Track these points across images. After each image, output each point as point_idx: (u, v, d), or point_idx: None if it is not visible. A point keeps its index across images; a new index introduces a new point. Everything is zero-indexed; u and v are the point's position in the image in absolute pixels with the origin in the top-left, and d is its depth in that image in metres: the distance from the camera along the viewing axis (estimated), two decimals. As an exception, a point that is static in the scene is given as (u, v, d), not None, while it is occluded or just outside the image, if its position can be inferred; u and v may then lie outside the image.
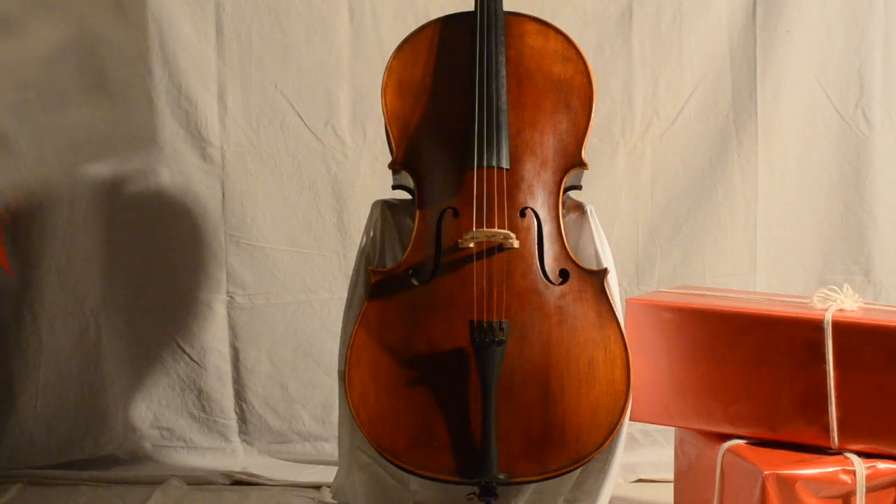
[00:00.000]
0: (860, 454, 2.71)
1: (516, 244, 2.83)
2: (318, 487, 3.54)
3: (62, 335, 3.67)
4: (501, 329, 2.77)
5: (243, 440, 3.74)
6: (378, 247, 3.03)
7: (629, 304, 3.00)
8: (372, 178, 3.66)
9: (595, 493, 2.96)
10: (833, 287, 2.86)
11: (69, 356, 3.69)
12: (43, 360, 3.67)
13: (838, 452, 2.74)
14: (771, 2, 3.67)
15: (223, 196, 3.66)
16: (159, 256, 3.65)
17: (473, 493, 2.78)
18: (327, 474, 3.52)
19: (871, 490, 2.68)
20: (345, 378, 2.86)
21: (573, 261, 2.87)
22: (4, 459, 3.61)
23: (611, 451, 2.92)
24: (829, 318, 2.73)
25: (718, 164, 3.71)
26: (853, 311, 2.80)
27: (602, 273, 2.87)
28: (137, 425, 3.73)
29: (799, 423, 2.77)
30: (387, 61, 2.97)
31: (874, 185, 3.71)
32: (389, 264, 2.97)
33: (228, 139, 3.65)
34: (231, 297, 3.69)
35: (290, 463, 3.64)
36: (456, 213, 2.86)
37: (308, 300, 3.70)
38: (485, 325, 2.78)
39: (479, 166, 2.85)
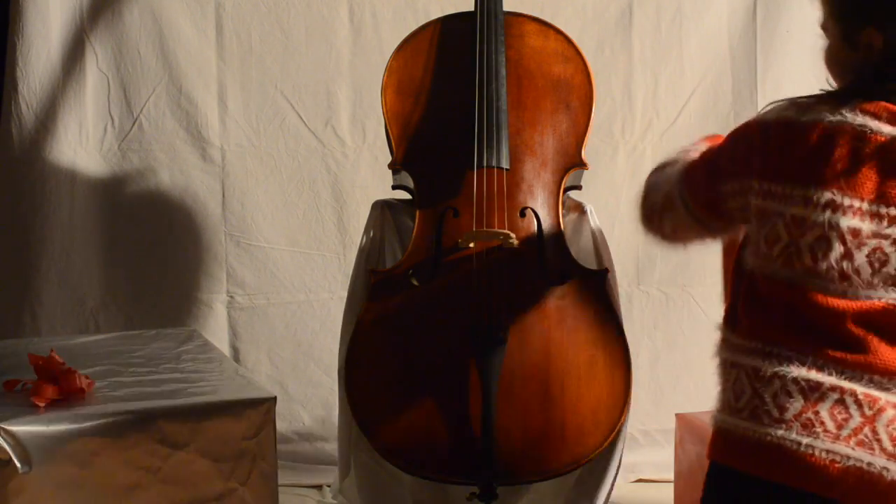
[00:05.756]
0: (860, 454, 2.71)
1: (516, 243, 2.82)
2: (318, 487, 3.54)
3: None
4: (501, 329, 2.77)
5: (243, 440, 3.74)
6: (378, 247, 3.02)
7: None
8: (372, 178, 3.66)
9: (595, 493, 2.96)
10: (833, 287, 2.85)
11: (69, 356, 3.68)
12: (43, 360, 3.67)
13: (838, 452, 2.73)
14: (771, 2, 3.66)
15: (223, 196, 3.65)
16: (159, 256, 3.65)
17: (473, 493, 2.77)
18: (327, 474, 3.52)
19: (871, 490, 2.67)
20: (345, 378, 2.85)
21: (573, 261, 2.86)
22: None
23: (611, 451, 2.91)
24: (829, 318, 2.73)
25: (719, 164, 3.70)
26: (853, 311, 2.79)
27: (602, 273, 2.87)
28: (137, 425, 3.72)
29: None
30: (387, 61, 2.97)
31: (874, 185, 3.71)
32: (389, 264, 2.97)
33: (228, 139, 3.64)
34: (231, 296, 3.68)
35: (290, 463, 3.63)
36: (456, 214, 2.86)
37: (308, 300, 3.69)
38: (485, 325, 2.77)
39: (480, 166, 2.85)
